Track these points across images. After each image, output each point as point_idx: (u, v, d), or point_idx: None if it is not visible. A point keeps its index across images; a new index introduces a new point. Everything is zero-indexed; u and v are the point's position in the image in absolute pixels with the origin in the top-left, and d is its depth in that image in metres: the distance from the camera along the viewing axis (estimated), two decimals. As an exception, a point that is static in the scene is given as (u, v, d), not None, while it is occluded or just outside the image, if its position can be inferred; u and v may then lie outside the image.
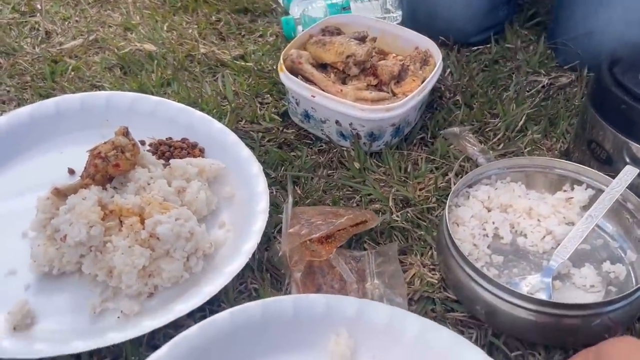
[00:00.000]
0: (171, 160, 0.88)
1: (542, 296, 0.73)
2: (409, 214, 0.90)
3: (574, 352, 0.70)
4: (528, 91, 1.10)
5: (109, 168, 0.82)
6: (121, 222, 0.78)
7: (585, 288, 0.77)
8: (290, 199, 0.81)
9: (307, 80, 0.97)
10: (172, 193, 0.83)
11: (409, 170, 0.97)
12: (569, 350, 0.71)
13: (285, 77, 0.97)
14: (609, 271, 0.79)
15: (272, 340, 0.67)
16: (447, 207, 0.79)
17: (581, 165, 0.85)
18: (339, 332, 0.67)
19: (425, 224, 0.89)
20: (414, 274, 0.81)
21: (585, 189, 0.85)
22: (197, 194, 0.84)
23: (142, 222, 0.77)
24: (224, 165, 0.90)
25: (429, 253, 0.85)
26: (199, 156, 0.91)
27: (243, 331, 0.67)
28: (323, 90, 0.95)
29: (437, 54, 1.01)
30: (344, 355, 0.67)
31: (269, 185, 0.91)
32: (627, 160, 0.83)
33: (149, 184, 0.84)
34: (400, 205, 0.92)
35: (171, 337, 0.71)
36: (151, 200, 0.80)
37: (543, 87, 1.11)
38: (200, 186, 0.85)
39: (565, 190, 0.87)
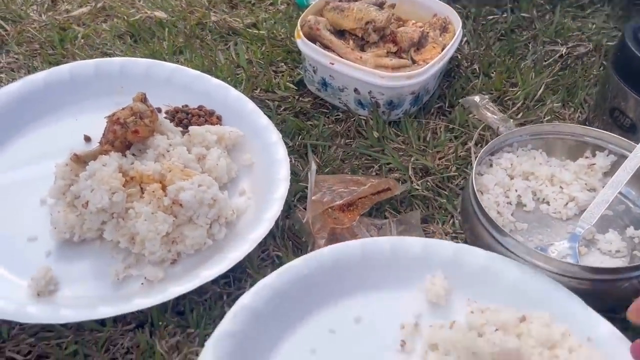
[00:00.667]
0: (190, 127, 0.86)
1: (571, 261, 0.73)
2: (429, 183, 0.89)
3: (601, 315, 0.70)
4: (546, 60, 1.09)
5: (127, 134, 0.80)
6: (142, 189, 0.77)
7: (610, 253, 0.77)
8: (314, 166, 0.80)
9: (325, 47, 0.95)
10: (193, 160, 0.81)
11: (428, 139, 0.96)
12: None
13: (303, 44, 0.95)
14: (632, 236, 0.79)
15: (370, 277, 0.70)
16: (473, 174, 0.78)
17: (604, 132, 0.84)
18: (435, 273, 0.69)
19: (445, 192, 0.88)
20: (438, 242, 0.81)
21: (607, 155, 0.84)
22: (218, 161, 0.82)
23: (164, 188, 0.76)
24: (242, 132, 0.88)
25: (451, 221, 0.84)
26: (216, 124, 0.90)
27: (343, 268, 0.69)
28: (342, 57, 0.93)
29: (456, 20, 0.99)
30: (438, 295, 0.68)
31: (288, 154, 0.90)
32: (651, 127, 0.82)
33: (168, 151, 0.82)
34: (420, 174, 0.91)
35: (196, 303, 0.71)
36: (172, 167, 0.78)
37: (561, 56, 1.10)
38: (220, 153, 0.84)
39: (587, 157, 0.86)
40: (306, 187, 0.81)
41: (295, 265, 0.69)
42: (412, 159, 0.92)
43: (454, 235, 0.83)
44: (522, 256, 0.71)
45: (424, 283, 0.71)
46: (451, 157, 0.93)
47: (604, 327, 0.64)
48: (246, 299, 0.64)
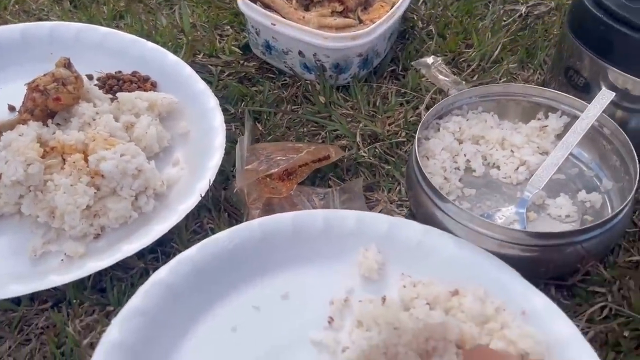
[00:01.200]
0: (118, 94, 0.81)
1: (517, 227, 0.69)
2: (377, 150, 0.85)
3: (545, 284, 0.67)
4: (505, 20, 1.04)
5: (48, 102, 0.75)
6: (64, 160, 0.72)
7: (560, 218, 0.74)
8: (246, 134, 0.76)
9: (267, 7, 0.90)
10: (120, 129, 0.77)
11: (377, 104, 0.91)
12: (542, 281, 0.67)
13: (243, 4, 0.90)
14: (584, 200, 0.75)
15: (301, 251, 0.66)
16: (416, 139, 0.74)
17: (556, 92, 0.80)
18: (369, 247, 0.66)
19: (393, 159, 0.84)
20: (380, 211, 0.77)
21: (560, 116, 0.80)
22: (147, 129, 0.78)
23: (87, 159, 0.72)
24: (177, 99, 0.83)
25: (397, 189, 0.80)
26: (150, 90, 0.85)
27: (273, 241, 0.66)
28: (284, 18, 0.88)
29: (407, -23, 0.93)
30: (371, 270, 0.65)
31: (228, 122, 0.85)
32: (605, 86, 0.77)
33: (94, 120, 0.78)
34: (368, 141, 0.87)
35: (120, 279, 0.67)
36: (96, 136, 0.73)
37: (520, 16, 1.05)
38: (151, 121, 0.79)
39: (539, 119, 0.82)
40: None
41: (219, 238, 0.65)
42: (361, 125, 0.88)
43: (399, 203, 0.79)
44: (465, 223, 0.67)
45: (357, 257, 0.67)
46: (401, 123, 0.88)
47: (539, 300, 0.61)
48: (162, 274, 0.60)
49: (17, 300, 0.65)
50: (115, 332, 0.55)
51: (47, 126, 0.75)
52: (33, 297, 0.65)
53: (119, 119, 0.78)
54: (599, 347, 0.62)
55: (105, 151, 0.71)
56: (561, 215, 0.74)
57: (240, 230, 0.66)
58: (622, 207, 0.66)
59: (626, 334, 0.62)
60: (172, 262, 0.62)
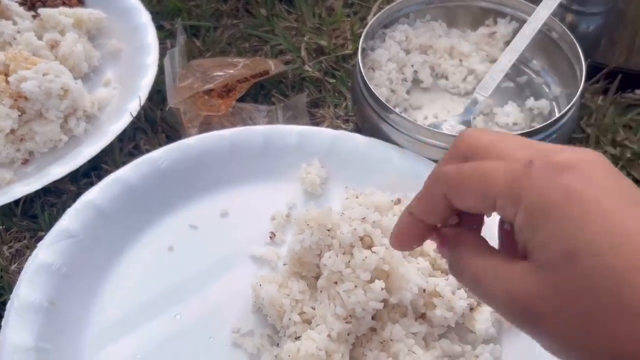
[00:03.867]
0: (40, 10, 0.75)
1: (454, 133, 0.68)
2: (322, 64, 0.81)
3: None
4: None
5: (-39, 20, 0.69)
6: (-17, 83, 0.67)
7: (508, 126, 0.72)
8: (177, 47, 0.71)
9: None
10: (43, 47, 0.71)
11: (323, 16, 0.87)
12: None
13: None
14: (532, 108, 0.73)
15: (240, 169, 0.64)
16: (359, 50, 0.71)
17: (507, -5, 0.77)
18: (311, 162, 0.64)
19: (340, 73, 0.80)
20: (327, 127, 0.74)
21: (509, 22, 0.77)
22: (74, 47, 0.72)
23: (7, 81, 0.67)
24: (105, 14, 0.78)
25: (344, 104, 0.77)
26: (76, 6, 0.79)
27: (210, 159, 0.64)
28: None
29: None
30: (313, 184, 0.63)
31: (164, 39, 0.80)
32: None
33: (15, 39, 0.72)
34: (314, 55, 0.83)
35: (52, 204, 0.64)
36: (16, 56, 0.68)
37: None
38: (77, 39, 0.74)
39: (487, 25, 0.79)
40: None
41: (152, 157, 0.62)
42: (305, 38, 0.84)
43: (345, 118, 0.76)
44: (410, 134, 0.65)
45: (299, 173, 0.65)
46: (347, 34, 0.84)
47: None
48: (91, 194, 0.58)
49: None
50: (42, 255, 0.53)
51: (-39, 46, 0.69)
52: (-42, 229, 0.62)
53: (42, 37, 0.72)
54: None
55: (26, 71, 0.66)
56: (509, 123, 0.72)
57: (174, 149, 0.63)
58: (566, 109, 0.64)
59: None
60: (102, 183, 0.59)
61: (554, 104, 0.74)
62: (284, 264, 0.57)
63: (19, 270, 0.54)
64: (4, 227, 0.61)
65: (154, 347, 0.52)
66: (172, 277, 0.56)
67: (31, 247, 0.59)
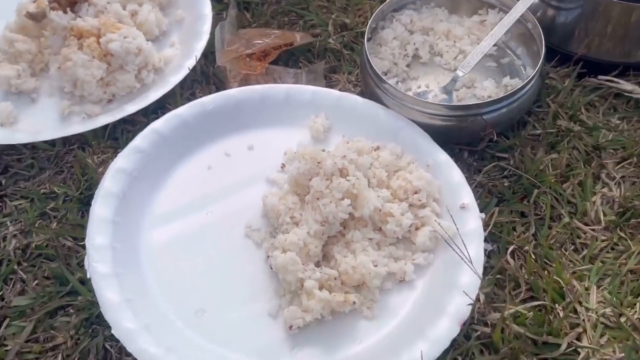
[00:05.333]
0: (125, -15, 0.97)
1: (429, 100, 0.85)
2: (344, 38, 1.00)
3: (459, 150, 0.84)
4: None
5: (70, -6, 0.93)
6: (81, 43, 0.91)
7: (483, 98, 0.88)
8: (227, 20, 0.92)
9: None
10: (126, 16, 0.94)
11: (351, -4, 1.05)
12: (457, 147, 0.84)
13: None
14: (507, 84, 0.89)
15: (266, 116, 0.85)
16: (367, 27, 0.89)
17: (499, -9, 0.93)
18: (319, 114, 0.84)
19: (357, 46, 0.99)
20: (339, 89, 0.94)
21: (498, 12, 0.94)
22: (148, 16, 0.95)
23: (99, 42, 0.90)
24: (173, -11, 1.00)
25: (356, 72, 0.96)
26: (151, -17, 1.01)
27: (244, 106, 0.84)
28: None
29: None
30: (318, 131, 0.83)
31: (220, 11, 1.02)
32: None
33: (106, 8, 0.95)
34: (339, 30, 1.02)
35: (129, 131, 0.88)
36: (106, 22, 0.91)
37: None
38: (151, 9, 0.96)
39: (480, 14, 0.95)
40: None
41: (203, 101, 0.84)
42: (333, 15, 1.03)
43: (355, 83, 0.95)
44: (398, 100, 0.83)
45: (309, 122, 0.85)
46: (368, 14, 1.03)
47: (442, 156, 0.78)
48: (157, 124, 0.81)
49: (52, 143, 0.86)
50: (120, 162, 0.76)
51: (68, 13, 0.93)
52: (65, 142, 0.87)
53: (125, 8, 0.95)
54: (487, 193, 0.80)
55: (112, 34, 0.89)
56: (484, 96, 0.89)
57: (219, 96, 0.85)
58: (524, 83, 0.81)
59: (506, 183, 0.80)
60: (165, 116, 0.82)
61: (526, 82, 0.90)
62: (286, 185, 0.78)
63: (103, 173, 0.78)
64: (95, 142, 0.85)
65: (191, 231, 0.75)
66: (208, 187, 0.79)
67: (113, 159, 0.83)
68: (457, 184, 0.76)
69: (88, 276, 0.66)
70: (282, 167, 0.81)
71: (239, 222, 0.75)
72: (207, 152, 0.82)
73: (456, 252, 0.68)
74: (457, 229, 0.70)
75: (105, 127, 0.84)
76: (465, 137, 0.84)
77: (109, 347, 0.67)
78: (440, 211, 0.74)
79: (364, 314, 0.67)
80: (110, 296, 0.65)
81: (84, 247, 0.71)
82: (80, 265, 0.72)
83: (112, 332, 0.63)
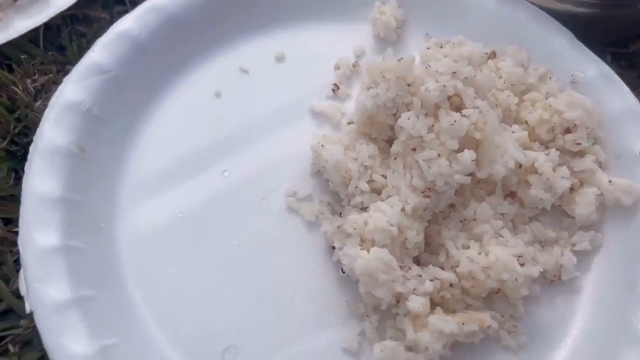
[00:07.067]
0: None
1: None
2: None
3: (601, 51, 0.55)
4: None
5: None
6: None
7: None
8: None
9: None
10: None
11: None
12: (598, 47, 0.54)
13: None
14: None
15: (303, 5, 0.54)
16: None
17: None
18: (386, 1, 0.54)
19: None
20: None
21: None
22: None
23: None
24: None
25: None
26: None
27: None
28: None
29: None
30: (387, 27, 0.53)
31: None
32: None
33: None
34: None
35: (81, 35, 0.56)
36: None
37: None
38: None
39: None
40: None
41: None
42: None
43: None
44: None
45: (371, 13, 0.53)
46: None
47: (594, 68, 0.49)
48: (126, 24, 0.51)
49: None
50: (70, 91, 0.45)
51: None
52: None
53: None
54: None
55: None
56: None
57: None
58: None
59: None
60: (139, 10, 0.50)
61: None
62: (349, 123, 0.48)
63: (45, 108, 0.47)
64: (27, 55, 0.53)
65: (199, 206, 0.45)
66: (219, 127, 0.49)
67: (58, 83, 0.52)
68: (626, 111, 0.47)
69: (28, 309, 0.37)
70: (333, 89, 0.51)
71: (276, 187, 0.47)
72: (213, 69, 0.51)
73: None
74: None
75: (37, 29, 0.51)
76: (613, 32, 0.55)
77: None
78: (606, 160, 0.45)
79: (504, 342, 0.41)
80: (78, 350, 0.36)
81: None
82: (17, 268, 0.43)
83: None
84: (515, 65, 0.49)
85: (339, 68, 0.52)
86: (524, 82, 0.49)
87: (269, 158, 0.48)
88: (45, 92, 0.52)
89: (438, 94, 0.42)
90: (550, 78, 0.49)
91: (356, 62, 0.52)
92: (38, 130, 0.44)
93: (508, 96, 0.47)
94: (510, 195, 0.45)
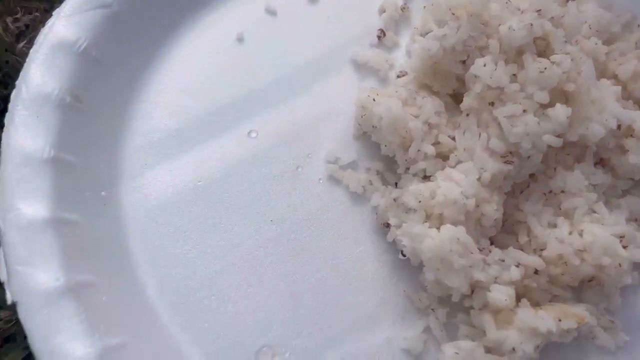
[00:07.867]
0: None
1: None
2: None
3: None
4: None
5: None
6: None
7: None
8: None
9: None
10: None
11: None
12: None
13: None
14: None
15: None
16: None
17: None
18: None
19: None
20: None
21: None
22: None
23: None
24: None
25: None
26: None
27: None
28: None
29: None
30: None
31: None
32: None
33: None
34: None
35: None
36: None
37: None
38: None
39: None
40: None
41: None
42: None
43: None
44: None
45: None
46: None
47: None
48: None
49: None
50: (61, 27, 0.36)
51: None
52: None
53: None
54: None
55: None
56: None
57: None
58: None
59: None
60: None
61: None
62: (399, 76, 0.40)
63: (29, 51, 0.38)
64: (7, -9, 0.44)
65: (221, 173, 0.37)
66: (244, 80, 0.40)
67: (45, 22, 0.43)
68: None
69: (10, 300, 0.29)
70: (379, 36, 0.43)
71: (314, 151, 0.39)
72: (234, 10, 0.43)
73: None
74: None
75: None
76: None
77: None
78: None
79: (599, 341, 0.33)
80: (75, 353, 0.28)
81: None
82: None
83: None
84: (598, 8, 0.41)
85: (384, 11, 0.44)
86: (607, 28, 0.41)
87: (304, 117, 0.40)
88: (30, 32, 0.43)
89: (525, 35, 0.33)
90: (639, 26, 0.42)
91: (405, 4, 0.44)
92: (22, 73, 0.35)
93: (596, 44, 0.38)
94: (600, 162, 0.37)
